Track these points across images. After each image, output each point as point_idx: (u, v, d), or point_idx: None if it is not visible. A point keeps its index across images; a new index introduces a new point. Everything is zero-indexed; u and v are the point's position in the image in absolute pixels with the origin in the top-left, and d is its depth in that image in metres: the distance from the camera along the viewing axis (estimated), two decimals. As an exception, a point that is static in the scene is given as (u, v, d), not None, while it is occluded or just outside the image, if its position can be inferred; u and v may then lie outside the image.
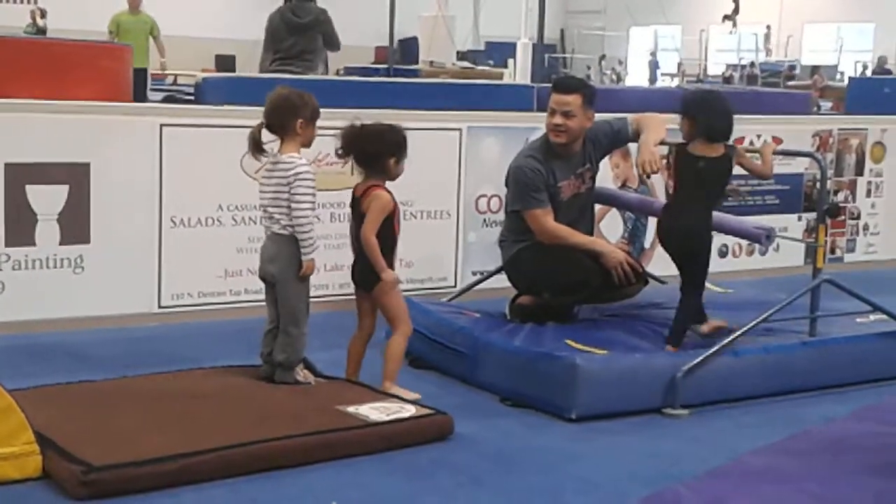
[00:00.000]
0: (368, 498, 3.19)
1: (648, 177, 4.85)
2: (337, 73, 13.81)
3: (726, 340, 4.22)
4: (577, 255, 4.64)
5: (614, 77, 28.10)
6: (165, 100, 9.54)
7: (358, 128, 4.08)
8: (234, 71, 16.65)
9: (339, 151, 4.08)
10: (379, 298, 4.09)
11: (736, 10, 27.33)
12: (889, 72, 19.77)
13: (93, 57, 5.78)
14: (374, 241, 3.99)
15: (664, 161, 6.23)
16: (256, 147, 4.01)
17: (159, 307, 5.09)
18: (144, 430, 3.43)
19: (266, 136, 4.04)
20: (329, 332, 5.10)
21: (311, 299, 5.41)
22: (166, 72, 14.20)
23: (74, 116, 4.94)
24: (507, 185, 4.79)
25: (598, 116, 4.89)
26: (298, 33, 7.90)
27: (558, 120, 4.66)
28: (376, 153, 4.06)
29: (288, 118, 3.99)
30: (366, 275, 4.08)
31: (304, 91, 4.09)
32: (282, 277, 4.00)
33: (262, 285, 4.92)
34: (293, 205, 3.93)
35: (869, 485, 3.22)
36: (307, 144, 4.08)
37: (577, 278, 4.58)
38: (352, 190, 4.12)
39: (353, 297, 5.54)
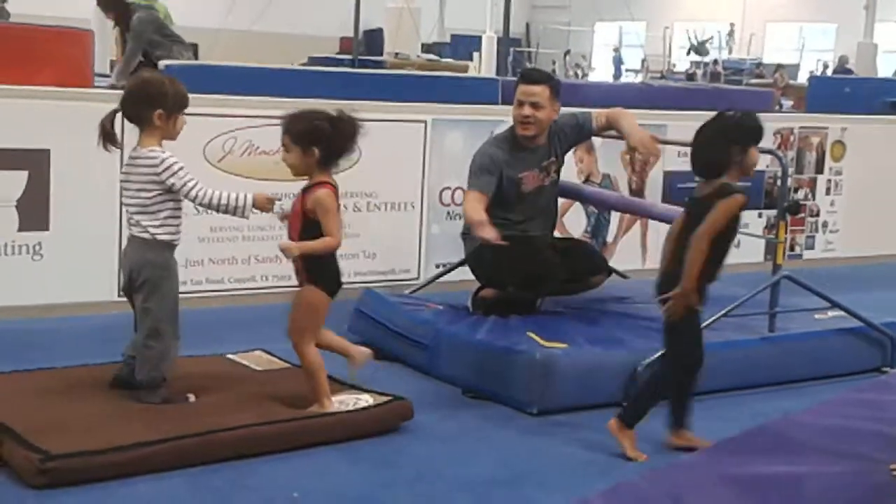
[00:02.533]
0: (328, 489, 3.18)
1: (650, 157, 4.84)
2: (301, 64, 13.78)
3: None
4: (539, 248, 4.65)
5: (579, 72, 28.17)
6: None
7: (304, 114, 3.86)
8: (196, 58, 16.50)
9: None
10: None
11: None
12: (850, 71, 19.97)
13: (53, 42, 5.71)
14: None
15: (627, 156, 6.29)
16: (107, 137, 3.59)
17: (119, 295, 5.03)
18: (103, 418, 3.40)
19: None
20: (286, 323, 5.08)
21: (273, 290, 5.42)
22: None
23: (34, 102, 4.87)
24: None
25: (564, 110, 4.91)
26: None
27: (527, 111, 4.66)
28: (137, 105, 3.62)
29: (144, 108, 3.56)
30: None
31: (171, 77, 3.73)
32: (144, 285, 3.57)
33: (227, 275, 4.91)
34: (186, 197, 3.56)
35: (829, 476, 3.26)
36: (169, 138, 3.62)
37: (539, 272, 4.59)
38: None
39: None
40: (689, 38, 28.04)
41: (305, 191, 3.64)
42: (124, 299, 3.72)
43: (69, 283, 4.95)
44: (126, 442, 3.17)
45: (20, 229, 4.84)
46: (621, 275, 5.33)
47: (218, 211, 3.65)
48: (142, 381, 3.60)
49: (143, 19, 7.83)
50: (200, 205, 3.62)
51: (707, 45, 27.46)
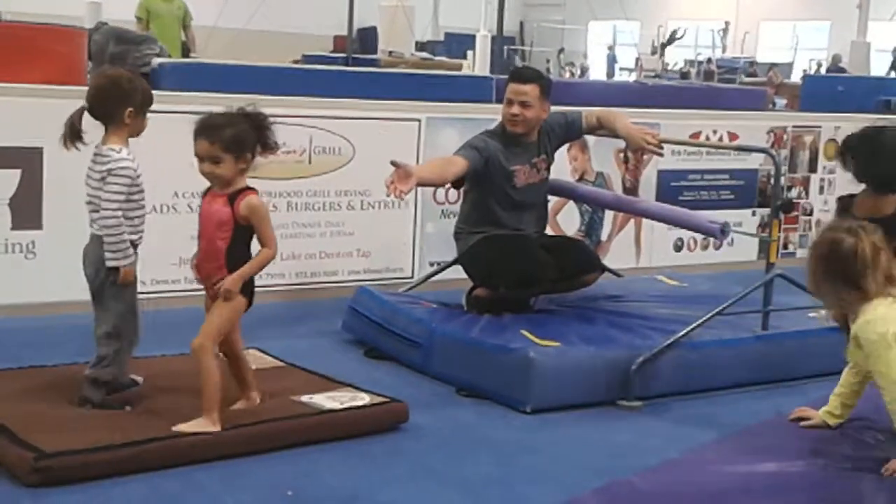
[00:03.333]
0: (322, 487, 3.18)
1: (660, 146, 4.87)
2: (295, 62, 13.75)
3: (680, 333, 4.26)
4: (532, 248, 4.66)
5: (574, 71, 28.18)
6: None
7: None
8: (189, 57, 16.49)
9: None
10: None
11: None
12: (843, 70, 19.99)
13: (46, 40, 5.70)
14: None
15: (621, 155, 6.30)
16: (74, 135, 3.49)
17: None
18: (97, 417, 3.40)
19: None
20: (284, 322, 5.08)
21: (267, 289, 5.41)
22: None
23: (27, 100, 4.86)
24: None
25: (556, 109, 4.91)
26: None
27: (515, 110, 4.67)
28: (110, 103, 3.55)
29: (115, 105, 3.47)
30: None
31: (136, 75, 3.67)
32: (100, 285, 3.50)
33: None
34: (102, 204, 3.42)
35: (820, 473, 3.27)
36: (135, 135, 3.57)
37: (532, 271, 4.59)
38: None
39: (307, 286, 5.57)
40: (658, 38, 28.03)
41: (233, 198, 3.47)
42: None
43: (62, 281, 4.92)
44: (119, 441, 3.17)
45: (13, 228, 4.83)
46: (615, 273, 5.33)
47: (102, 242, 3.47)
48: (88, 377, 3.50)
49: (98, 42, 7.87)
50: (99, 219, 3.46)
51: (675, 40, 27.42)
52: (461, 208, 4.94)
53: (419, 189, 5.79)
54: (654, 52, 27.16)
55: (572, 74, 26.62)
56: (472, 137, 4.75)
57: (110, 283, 3.49)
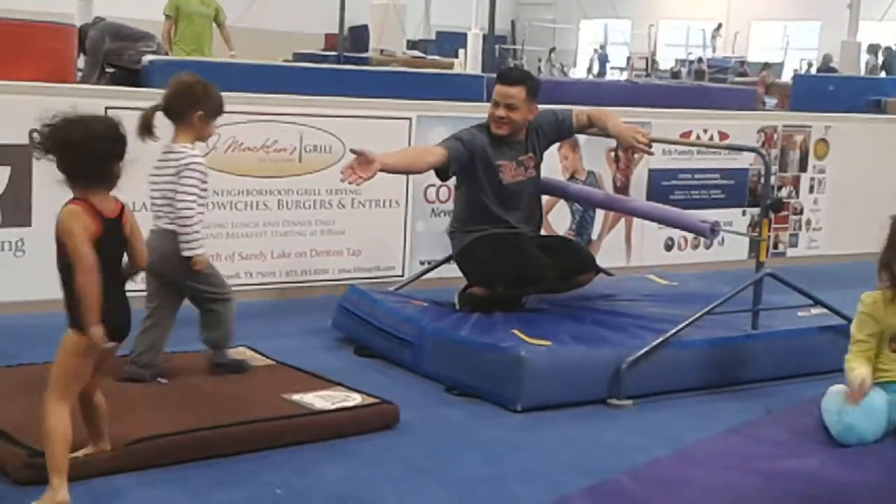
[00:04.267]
0: (312, 486, 3.18)
1: (649, 145, 4.87)
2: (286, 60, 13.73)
3: (671, 332, 4.26)
4: (528, 248, 4.66)
5: (566, 69, 28.21)
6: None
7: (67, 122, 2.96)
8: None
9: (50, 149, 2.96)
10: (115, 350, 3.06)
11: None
12: (834, 70, 20.05)
13: (36, 37, 5.69)
14: None
15: (612, 154, 6.30)
16: (146, 129, 3.66)
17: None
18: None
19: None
20: (275, 320, 5.08)
21: (257, 287, 5.41)
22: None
23: (16, 97, 4.85)
24: None
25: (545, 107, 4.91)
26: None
27: (501, 112, 4.67)
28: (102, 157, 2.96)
29: (187, 108, 3.76)
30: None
31: (211, 84, 3.86)
32: (180, 276, 3.76)
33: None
34: (178, 197, 3.69)
35: (810, 473, 3.27)
36: (202, 139, 3.87)
37: (528, 271, 4.59)
38: (90, 212, 2.92)
39: (298, 284, 5.56)
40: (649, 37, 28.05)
41: (121, 215, 3.00)
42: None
43: (52, 279, 4.89)
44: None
45: (2, 225, 4.82)
46: (606, 272, 5.34)
47: (178, 231, 3.75)
48: (207, 340, 3.92)
49: (94, 38, 7.85)
50: (178, 215, 3.72)
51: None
52: (454, 207, 4.94)
53: (410, 187, 5.80)
54: (714, 49, 27.05)
55: (564, 73, 26.63)
56: (461, 129, 4.75)
57: (182, 272, 3.76)
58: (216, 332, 3.91)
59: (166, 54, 8.04)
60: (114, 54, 8.00)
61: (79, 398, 3.00)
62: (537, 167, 4.89)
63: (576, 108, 5.00)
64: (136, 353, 3.83)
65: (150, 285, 3.87)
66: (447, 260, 5.07)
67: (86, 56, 7.86)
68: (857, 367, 3.43)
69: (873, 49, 21.67)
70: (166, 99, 3.80)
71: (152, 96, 5.30)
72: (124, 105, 5.07)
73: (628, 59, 28.39)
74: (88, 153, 2.89)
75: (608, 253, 6.40)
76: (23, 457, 3.01)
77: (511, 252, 4.61)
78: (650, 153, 5.14)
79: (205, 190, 3.79)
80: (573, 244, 5.39)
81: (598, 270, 5.08)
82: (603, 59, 30.07)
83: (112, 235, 2.92)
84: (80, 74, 7.65)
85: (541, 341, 4.12)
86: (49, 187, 4.96)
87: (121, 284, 2.99)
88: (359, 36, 22.04)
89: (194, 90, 3.79)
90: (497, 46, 22.93)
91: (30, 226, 4.87)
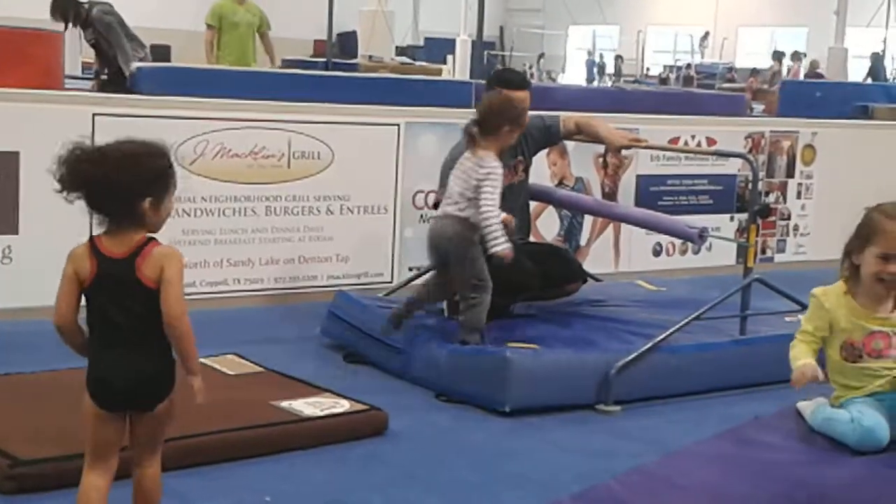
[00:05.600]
0: (301, 493, 3.17)
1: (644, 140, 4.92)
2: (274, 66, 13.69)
3: (659, 338, 4.27)
4: (518, 257, 4.65)
5: (552, 76, 28.24)
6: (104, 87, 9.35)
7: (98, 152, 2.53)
8: (168, 61, 16.47)
9: (64, 184, 2.50)
10: (158, 418, 2.64)
11: None
12: (821, 76, 20.13)
13: (23, 44, 5.68)
14: (189, 324, 2.53)
15: (600, 160, 6.31)
16: (472, 141, 4.20)
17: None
18: (73, 424, 3.36)
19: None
20: (263, 327, 5.07)
21: (246, 294, 5.40)
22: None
23: (3, 104, 4.83)
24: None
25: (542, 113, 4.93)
26: None
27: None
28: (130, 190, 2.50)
29: (499, 121, 4.20)
30: (155, 383, 2.59)
31: (510, 101, 4.36)
32: (457, 258, 4.19)
33: (199, 278, 4.93)
34: (480, 201, 4.11)
35: (797, 478, 3.28)
36: (504, 147, 4.28)
37: (517, 280, 4.59)
38: (90, 252, 2.54)
39: (286, 291, 5.54)
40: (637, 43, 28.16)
41: (138, 252, 2.52)
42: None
43: (39, 287, 4.87)
44: (96, 447, 3.14)
45: (-11, 232, 4.80)
46: (594, 278, 5.34)
47: (483, 232, 4.13)
48: (462, 321, 4.20)
49: (107, 10, 7.74)
50: (480, 214, 4.11)
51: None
52: None
53: (398, 194, 5.81)
54: (703, 55, 27.06)
55: (553, 80, 26.65)
56: (450, 160, 4.59)
57: (460, 255, 4.16)
58: (472, 316, 4.19)
59: (148, 60, 7.92)
60: (133, 38, 7.93)
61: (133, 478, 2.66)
62: (526, 171, 4.89)
63: (563, 115, 5.01)
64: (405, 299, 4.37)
65: (433, 262, 4.36)
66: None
67: (103, 29, 7.69)
68: (800, 357, 3.34)
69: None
70: (483, 112, 4.24)
71: (142, 104, 5.32)
72: (111, 111, 5.08)
73: (620, 64, 28.44)
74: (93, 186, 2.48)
75: (596, 259, 6.41)
76: (5, 467, 3.00)
77: (498, 261, 4.61)
78: (644, 144, 5.16)
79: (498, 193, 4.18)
80: (562, 252, 5.39)
81: (586, 279, 5.08)
82: (590, 65, 30.12)
83: (110, 279, 2.49)
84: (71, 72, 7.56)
85: (529, 346, 4.12)
86: (36, 195, 4.97)
87: (121, 338, 2.52)
88: (347, 42, 22.04)
89: (507, 106, 4.29)
90: (486, 52, 22.96)
91: (17, 234, 4.85)
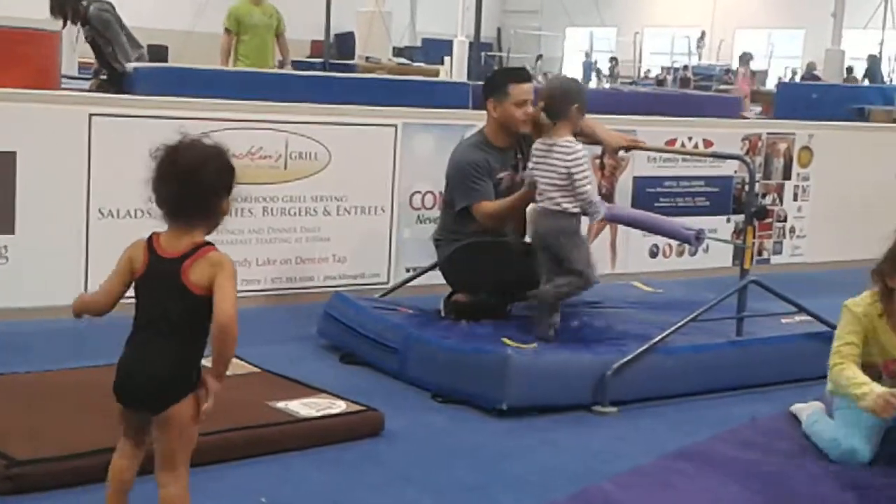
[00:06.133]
0: (297, 494, 3.17)
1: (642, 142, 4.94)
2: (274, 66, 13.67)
3: (656, 339, 4.27)
4: (513, 255, 4.66)
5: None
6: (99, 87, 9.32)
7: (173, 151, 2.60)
8: (166, 61, 16.48)
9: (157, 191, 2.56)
10: (170, 424, 2.54)
11: None
12: (817, 78, 20.15)
13: (20, 44, 5.67)
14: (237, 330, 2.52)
15: (597, 161, 6.31)
16: (536, 129, 4.28)
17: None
18: (69, 424, 3.37)
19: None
20: (260, 327, 5.06)
21: (243, 294, 5.38)
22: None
23: (0, 104, 4.82)
24: (447, 180, 4.76)
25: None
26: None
27: (529, 109, 4.64)
28: (208, 189, 2.58)
29: (565, 104, 4.23)
30: (164, 385, 2.53)
31: (573, 78, 4.43)
32: (566, 248, 4.25)
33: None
34: (576, 185, 4.17)
35: (793, 478, 3.28)
36: (576, 129, 4.32)
37: (512, 279, 4.60)
38: (146, 247, 2.58)
39: (283, 291, 5.54)
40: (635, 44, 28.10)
41: (191, 253, 2.54)
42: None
43: (35, 287, 4.90)
44: (92, 448, 3.14)
45: (-14, 232, 4.79)
46: None
47: (583, 207, 4.22)
48: (559, 285, 4.24)
49: (105, 8, 7.71)
50: (577, 194, 4.18)
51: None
52: (442, 217, 4.92)
53: (395, 195, 5.81)
54: (700, 57, 27.06)
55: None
56: (469, 163, 4.63)
57: (563, 244, 4.23)
58: (561, 282, 4.25)
59: (143, 60, 7.88)
60: (131, 38, 7.90)
61: None
62: (525, 169, 4.88)
63: None
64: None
65: (540, 256, 4.35)
66: (433, 267, 5.07)
67: (100, 28, 7.65)
68: (867, 383, 3.28)
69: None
70: (546, 97, 4.27)
71: (138, 104, 5.32)
72: (107, 112, 5.08)
73: (614, 66, 28.41)
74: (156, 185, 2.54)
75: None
76: (1, 467, 2.99)
77: (494, 260, 4.62)
78: (643, 145, 5.17)
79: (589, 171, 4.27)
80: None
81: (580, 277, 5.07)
82: (588, 67, 30.09)
83: (156, 277, 2.52)
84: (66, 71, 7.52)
85: (527, 346, 4.13)
86: (32, 195, 4.97)
87: (152, 337, 2.53)
88: (345, 43, 22.02)
89: (569, 88, 4.35)
90: (483, 54, 22.93)
91: (13, 233, 4.84)
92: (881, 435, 3.37)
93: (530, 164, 4.36)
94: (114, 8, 7.83)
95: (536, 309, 4.34)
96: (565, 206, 4.23)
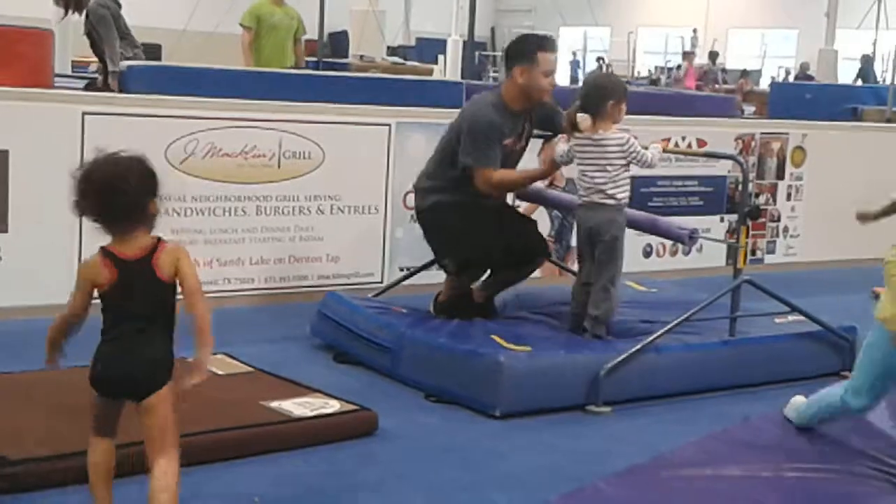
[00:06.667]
0: (291, 494, 3.17)
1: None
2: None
3: (649, 339, 4.28)
4: (486, 230, 4.64)
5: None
6: (88, 87, 9.32)
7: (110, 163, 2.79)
8: (159, 60, 16.44)
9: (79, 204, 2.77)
10: (158, 408, 2.73)
11: None
12: (811, 78, 20.17)
13: (13, 42, 5.65)
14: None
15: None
16: (573, 128, 4.35)
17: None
18: (62, 423, 3.36)
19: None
20: (253, 326, 5.06)
21: (236, 293, 5.39)
22: (90, 59, 13.83)
23: (-7, 102, 4.82)
24: (457, 130, 4.66)
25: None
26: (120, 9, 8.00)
27: (552, 80, 4.68)
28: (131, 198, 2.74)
29: (602, 99, 4.32)
30: (152, 370, 2.72)
31: (611, 73, 4.44)
32: (611, 241, 4.35)
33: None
34: (640, 162, 4.35)
35: (787, 477, 3.29)
36: (617, 122, 4.39)
37: (479, 254, 4.64)
38: (106, 261, 2.73)
39: (276, 290, 5.53)
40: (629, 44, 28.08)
41: (154, 250, 2.75)
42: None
43: (28, 285, 4.89)
44: (85, 447, 3.13)
45: (-22, 231, 4.78)
46: (566, 269, 5.34)
47: (601, 207, 4.35)
48: (596, 316, 4.34)
49: (103, 4, 7.69)
50: (649, 166, 4.41)
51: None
52: (435, 164, 4.78)
53: (389, 194, 5.80)
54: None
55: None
56: (486, 123, 4.57)
57: (619, 246, 4.37)
58: (606, 309, 4.38)
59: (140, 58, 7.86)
60: (124, 35, 7.89)
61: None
62: (529, 139, 4.86)
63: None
64: (575, 306, 4.48)
65: (584, 253, 4.47)
66: (426, 266, 5.07)
67: (95, 32, 7.63)
68: None
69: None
70: (582, 98, 4.37)
71: (131, 103, 5.31)
72: (101, 111, 5.07)
73: (608, 66, 28.43)
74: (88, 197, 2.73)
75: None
76: (-7, 467, 2.99)
77: (468, 231, 4.62)
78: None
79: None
80: (532, 228, 5.13)
81: (549, 255, 5.06)
82: (575, 66, 30.11)
83: (131, 279, 2.70)
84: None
85: (520, 347, 4.12)
86: (26, 193, 4.95)
87: (133, 334, 2.70)
88: (338, 42, 21.99)
89: (603, 84, 4.49)
90: (477, 53, 22.94)
91: (6, 232, 4.83)
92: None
93: (578, 160, 4.43)
94: (118, 6, 7.81)
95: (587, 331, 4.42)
96: (620, 196, 4.37)
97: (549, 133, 4.92)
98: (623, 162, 4.35)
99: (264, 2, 9.29)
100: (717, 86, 21.08)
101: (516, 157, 4.81)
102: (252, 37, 9.14)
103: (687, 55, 21.88)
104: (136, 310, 2.70)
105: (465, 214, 4.63)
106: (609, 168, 4.34)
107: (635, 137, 4.42)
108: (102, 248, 2.75)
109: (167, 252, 2.74)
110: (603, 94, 4.36)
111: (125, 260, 2.71)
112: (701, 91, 18.16)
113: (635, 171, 4.52)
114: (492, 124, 4.58)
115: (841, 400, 3.45)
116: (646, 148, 4.58)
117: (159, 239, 2.77)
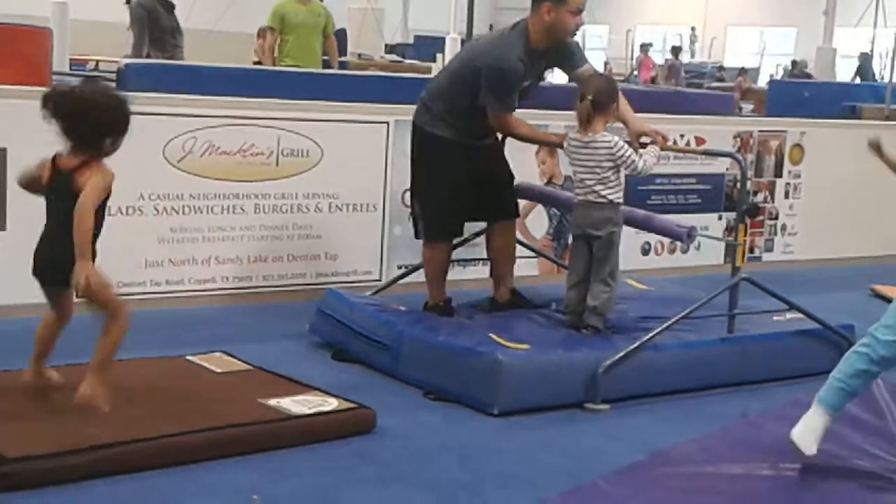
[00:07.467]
0: (289, 491, 3.17)
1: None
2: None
3: (647, 337, 4.28)
4: (446, 193, 4.69)
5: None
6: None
7: (76, 92, 3.48)
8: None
9: (48, 113, 3.43)
10: (95, 294, 3.46)
11: None
12: (809, 76, 20.18)
13: (11, 40, 5.65)
14: (91, 222, 3.37)
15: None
16: (587, 120, 4.42)
17: (77, 297, 4.98)
18: (59, 421, 3.36)
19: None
20: (251, 324, 5.06)
21: (234, 292, 5.39)
22: (88, 57, 13.84)
23: (-9, 100, 4.81)
24: (477, 66, 4.60)
25: (530, 112, 4.92)
26: (171, 11, 8.09)
27: (581, 18, 4.69)
28: (98, 128, 3.43)
29: (609, 102, 4.42)
30: (64, 264, 3.41)
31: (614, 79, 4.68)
32: (608, 238, 4.42)
33: (187, 276, 4.91)
34: (630, 167, 4.40)
35: (785, 476, 3.29)
36: (613, 122, 4.53)
37: (444, 226, 4.78)
38: (50, 164, 3.48)
39: (275, 288, 5.53)
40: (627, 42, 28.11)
41: (81, 166, 3.44)
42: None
43: (27, 283, 4.86)
44: (82, 445, 3.14)
45: (-24, 229, 4.78)
46: (553, 260, 5.35)
47: (593, 205, 4.43)
48: (595, 307, 4.40)
49: (144, 4, 7.74)
50: (638, 173, 4.47)
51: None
52: (448, 86, 4.73)
53: (387, 192, 5.80)
54: (692, 55, 27.31)
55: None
56: (510, 69, 4.54)
57: (616, 241, 4.46)
58: (606, 302, 4.43)
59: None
60: (170, 32, 7.93)
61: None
62: (541, 78, 4.92)
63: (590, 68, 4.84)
64: (569, 305, 4.52)
65: (578, 249, 4.53)
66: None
67: (131, 28, 7.74)
68: None
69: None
70: (595, 94, 4.42)
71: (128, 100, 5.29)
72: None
73: (605, 63, 28.43)
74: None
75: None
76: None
77: (439, 202, 4.71)
78: (665, 144, 5.01)
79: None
80: (508, 187, 5.05)
81: (514, 216, 5.03)
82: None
83: (56, 185, 3.41)
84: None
85: (518, 345, 4.12)
86: (23, 191, 4.94)
87: (55, 230, 3.43)
88: (337, 40, 21.99)
89: (614, 87, 4.55)
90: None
91: (4, 230, 4.83)
92: None
93: (572, 159, 4.49)
94: (165, 7, 7.83)
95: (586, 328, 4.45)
96: (611, 197, 4.42)
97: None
98: (611, 164, 4.40)
99: (288, 1, 9.02)
100: (675, 81, 21.19)
101: (527, 93, 4.79)
102: (275, 38, 8.92)
103: (643, 47, 22.62)
104: (58, 213, 3.38)
105: (444, 164, 4.66)
106: (598, 170, 4.41)
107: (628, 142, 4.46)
108: (54, 155, 3.41)
109: (92, 170, 3.33)
110: (613, 97, 4.46)
111: (60, 169, 3.40)
112: (657, 86, 18.32)
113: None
114: (516, 73, 4.57)
115: (870, 336, 3.31)
116: (644, 146, 4.57)
117: (99, 160, 3.37)
